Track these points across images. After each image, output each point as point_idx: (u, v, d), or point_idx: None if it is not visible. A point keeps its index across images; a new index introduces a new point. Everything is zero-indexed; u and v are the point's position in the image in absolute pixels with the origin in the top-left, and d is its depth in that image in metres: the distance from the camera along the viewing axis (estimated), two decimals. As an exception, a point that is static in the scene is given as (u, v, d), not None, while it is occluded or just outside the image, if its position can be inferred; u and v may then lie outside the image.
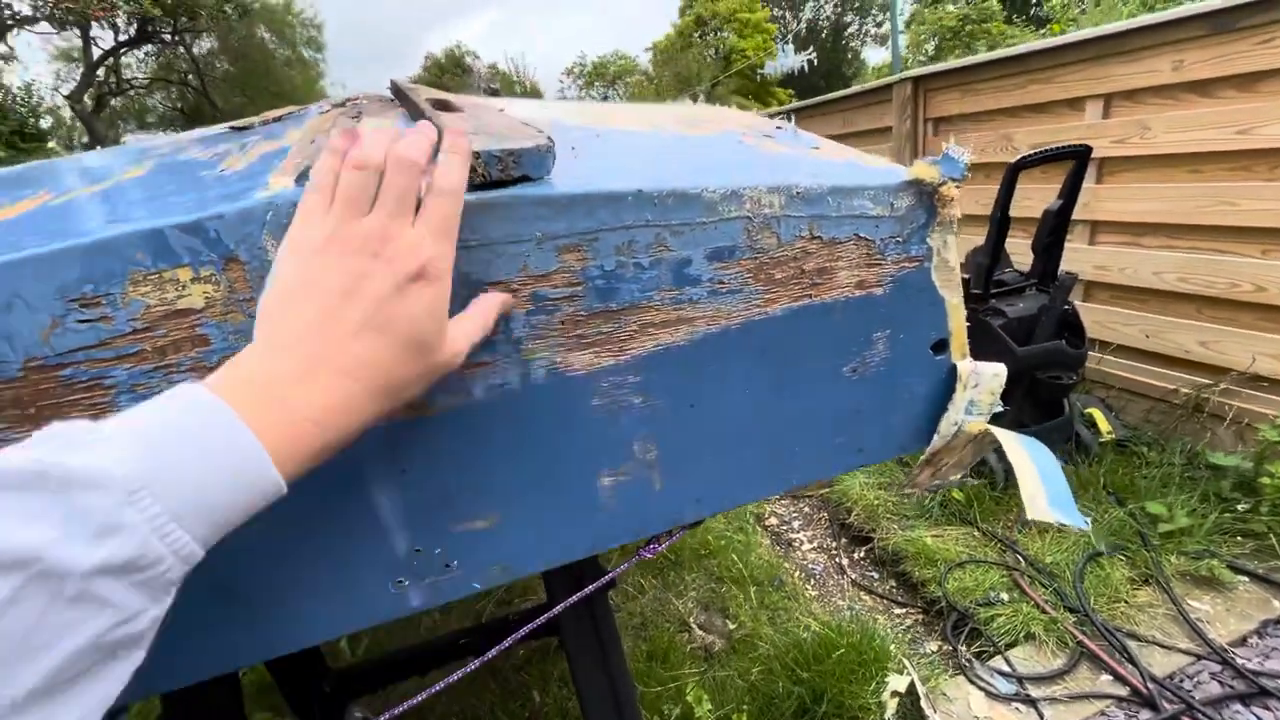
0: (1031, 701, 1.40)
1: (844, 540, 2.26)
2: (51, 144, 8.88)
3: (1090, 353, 2.59)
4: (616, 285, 0.57)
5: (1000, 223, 2.13)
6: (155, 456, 0.32)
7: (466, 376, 0.55)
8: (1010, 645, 1.58)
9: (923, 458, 0.81)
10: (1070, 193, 2.11)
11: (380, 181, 0.43)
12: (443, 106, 0.85)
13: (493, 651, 0.84)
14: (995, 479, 2.18)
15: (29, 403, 0.45)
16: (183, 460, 0.32)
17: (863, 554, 2.17)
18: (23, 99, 9.31)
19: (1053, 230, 2.18)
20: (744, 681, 1.47)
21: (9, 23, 11.28)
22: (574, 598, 0.86)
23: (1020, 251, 2.53)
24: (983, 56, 2.96)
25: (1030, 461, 0.73)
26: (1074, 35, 2.56)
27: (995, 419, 0.80)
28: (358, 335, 0.40)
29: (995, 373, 0.77)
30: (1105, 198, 2.55)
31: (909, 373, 0.74)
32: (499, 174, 0.51)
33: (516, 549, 0.62)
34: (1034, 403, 2.21)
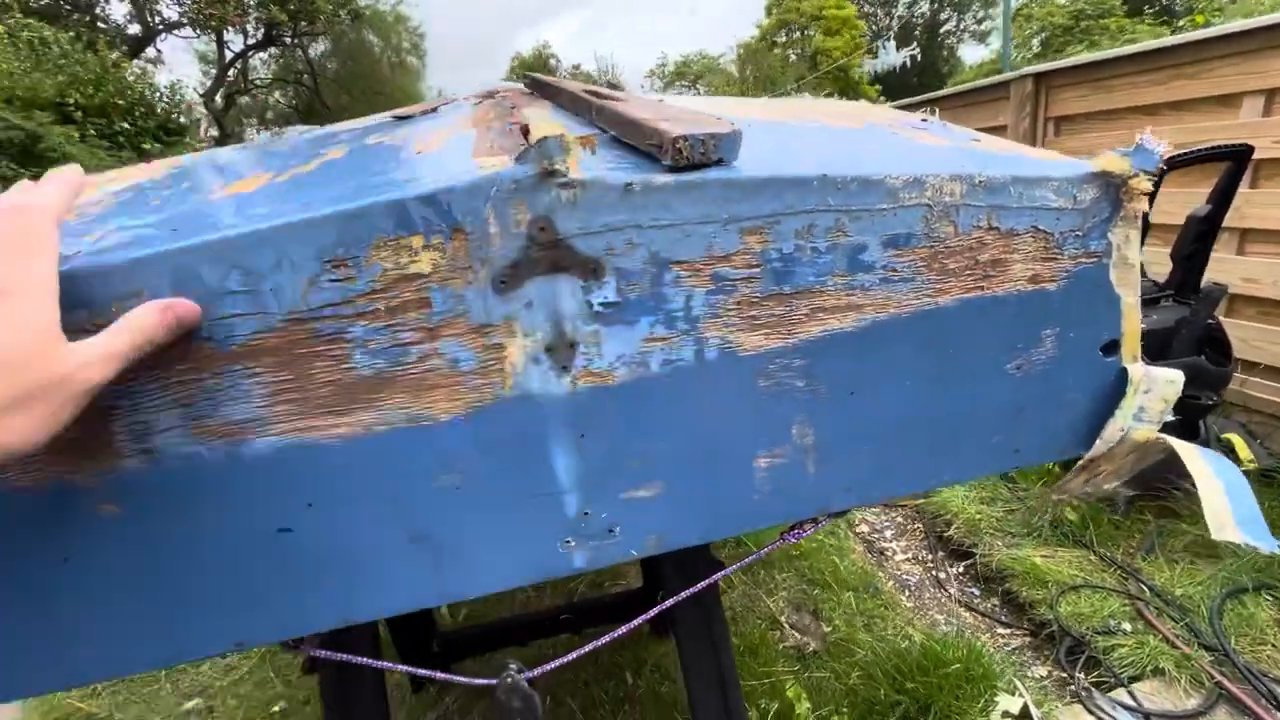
0: (1161, 741, 1.30)
1: (941, 554, 2.17)
2: (187, 139, 9.77)
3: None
4: (792, 268, 0.58)
5: (1136, 227, 1.98)
6: None
7: (645, 350, 0.58)
8: (1134, 679, 1.47)
9: (1080, 463, 0.77)
10: (1223, 197, 1.93)
11: None
12: (595, 96, 0.89)
13: (624, 628, 0.87)
14: (1116, 503, 2.03)
15: (285, 351, 0.50)
16: None
17: (962, 569, 2.08)
18: (166, 97, 10.28)
19: (1197, 238, 2.01)
20: (841, 684, 1.45)
21: (158, 28, 12.60)
22: (704, 583, 0.88)
23: (1157, 261, 2.34)
24: (1119, 50, 2.75)
25: (1215, 477, 0.68)
26: (1231, 26, 2.33)
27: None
28: None
29: (1170, 379, 0.72)
30: (1259, 203, 2.31)
31: (1075, 373, 0.71)
32: (700, 157, 0.53)
33: (673, 521, 0.64)
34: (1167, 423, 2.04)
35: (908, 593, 1.98)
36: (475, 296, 0.52)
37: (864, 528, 2.35)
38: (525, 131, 0.73)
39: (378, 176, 0.60)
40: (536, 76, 1.29)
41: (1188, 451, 0.71)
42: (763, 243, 0.57)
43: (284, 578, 0.56)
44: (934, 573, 2.08)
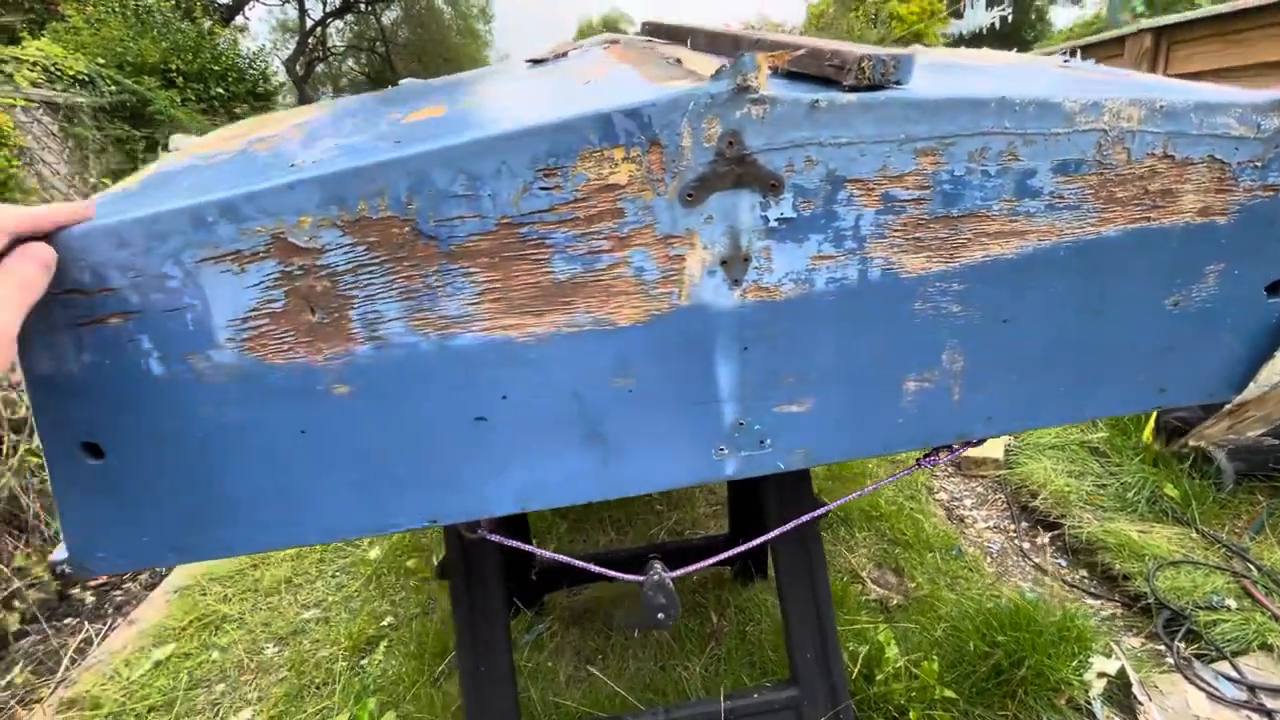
0: (1268, 713, 1.27)
1: (1024, 524, 2.13)
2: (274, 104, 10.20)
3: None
4: (961, 191, 0.60)
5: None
6: None
7: (812, 268, 0.60)
8: (1238, 654, 1.43)
9: (1227, 407, 0.76)
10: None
11: None
12: (732, 35, 0.90)
13: (733, 550, 0.91)
14: (1223, 480, 1.94)
15: (495, 254, 0.56)
16: None
17: (1048, 540, 2.04)
18: (254, 64, 10.72)
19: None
20: (928, 636, 1.47)
21: (246, -3, 13.14)
22: (820, 511, 0.92)
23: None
24: (1258, -2, 2.51)
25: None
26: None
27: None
28: None
29: (1340, 322, 0.70)
30: None
31: (1236, 312, 0.70)
32: (880, 77, 0.55)
33: (821, 437, 0.68)
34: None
35: (990, 559, 1.97)
36: (663, 208, 0.56)
37: (943, 495, 2.32)
38: (679, 63, 0.76)
39: (568, 100, 0.65)
40: (654, 23, 1.31)
41: (1357, 394, 0.69)
42: (935, 164, 0.58)
43: (477, 463, 0.63)
44: (1017, 541, 2.05)
